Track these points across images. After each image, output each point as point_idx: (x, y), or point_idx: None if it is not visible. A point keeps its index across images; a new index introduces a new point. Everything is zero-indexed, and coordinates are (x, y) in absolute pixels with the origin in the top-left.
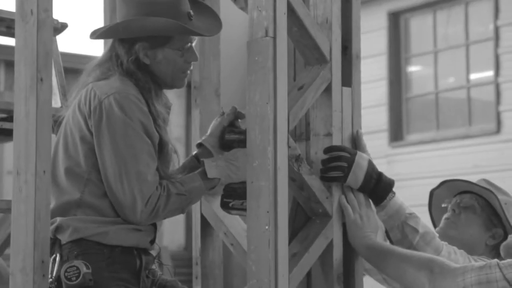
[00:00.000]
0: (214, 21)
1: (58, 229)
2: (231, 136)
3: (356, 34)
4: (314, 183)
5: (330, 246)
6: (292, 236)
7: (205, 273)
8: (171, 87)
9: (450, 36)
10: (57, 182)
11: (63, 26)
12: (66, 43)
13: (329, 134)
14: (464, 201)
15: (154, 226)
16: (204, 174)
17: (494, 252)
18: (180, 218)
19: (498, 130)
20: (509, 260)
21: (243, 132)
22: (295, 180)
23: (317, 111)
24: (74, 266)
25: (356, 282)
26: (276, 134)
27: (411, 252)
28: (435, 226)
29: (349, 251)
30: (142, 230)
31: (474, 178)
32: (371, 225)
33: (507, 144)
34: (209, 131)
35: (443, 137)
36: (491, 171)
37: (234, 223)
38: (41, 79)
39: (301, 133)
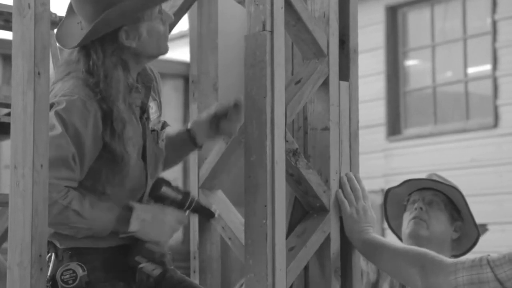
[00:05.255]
0: None
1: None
2: (168, 192)
3: (353, 28)
4: (312, 177)
5: (327, 240)
6: (290, 230)
7: (203, 267)
8: (157, 56)
9: (447, 30)
10: None
11: (61, 20)
12: None
13: (326, 128)
14: (428, 198)
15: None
16: (124, 216)
17: (455, 244)
18: None
19: (495, 124)
20: (499, 256)
21: (182, 193)
22: (293, 175)
23: (314, 105)
24: (70, 269)
25: (353, 276)
26: (274, 128)
27: (403, 247)
28: (388, 223)
29: (347, 245)
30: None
31: (471, 172)
32: (368, 219)
33: (505, 138)
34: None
35: (440, 131)
36: (488, 165)
37: (232, 217)
38: (39, 73)
39: (298, 127)
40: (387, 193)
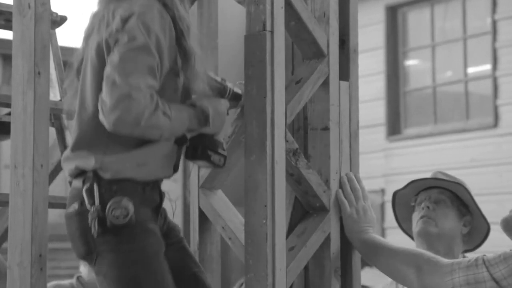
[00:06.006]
0: None
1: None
2: (214, 83)
3: (353, 28)
4: (312, 177)
5: (327, 240)
6: (290, 230)
7: (203, 267)
8: None
9: (447, 30)
10: (85, 107)
11: (63, 19)
12: (65, 36)
13: (326, 128)
14: (434, 196)
15: (179, 144)
16: (194, 114)
17: (466, 239)
18: (178, 212)
19: (495, 124)
20: (495, 256)
21: (221, 83)
22: (293, 174)
23: (314, 105)
24: (122, 205)
25: (353, 276)
26: (274, 128)
27: (399, 247)
28: (400, 225)
29: (347, 245)
30: (170, 154)
31: (471, 172)
32: (368, 219)
33: (505, 138)
34: None
35: (440, 131)
36: (488, 165)
37: (232, 217)
38: (39, 73)
39: (298, 127)
40: (394, 196)
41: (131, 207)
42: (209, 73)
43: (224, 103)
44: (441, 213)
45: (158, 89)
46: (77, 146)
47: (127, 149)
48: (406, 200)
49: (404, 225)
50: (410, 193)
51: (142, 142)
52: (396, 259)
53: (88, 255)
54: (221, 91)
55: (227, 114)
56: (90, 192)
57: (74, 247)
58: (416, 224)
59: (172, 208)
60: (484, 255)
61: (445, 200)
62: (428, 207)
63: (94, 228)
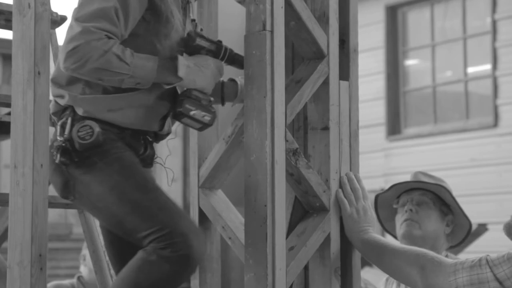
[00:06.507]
0: None
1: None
2: (202, 42)
3: (353, 28)
4: (312, 177)
5: (327, 239)
6: (290, 230)
7: (203, 266)
8: None
9: (447, 30)
10: None
11: (63, 19)
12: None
13: (326, 128)
14: (417, 198)
15: (169, 98)
16: (165, 65)
17: (450, 238)
18: None
19: (495, 123)
20: (498, 256)
21: (214, 42)
22: (293, 174)
23: (314, 105)
24: (87, 125)
25: (353, 276)
26: (274, 128)
27: (403, 247)
28: (382, 226)
29: (347, 245)
30: (152, 106)
31: (471, 172)
32: (368, 219)
33: (505, 137)
34: None
35: (440, 131)
36: (488, 164)
37: (232, 217)
38: (39, 73)
39: (298, 127)
40: (376, 199)
41: (95, 127)
42: (202, 33)
43: (211, 60)
44: (424, 215)
45: (122, 36)
46: (55, 84)
47: (101, 94)
48: (388, 202)
49: (387, 226)
50: (392, 195)
51: (119, 91)
52: (399, 259)
53: (66, 187)
54: (212, 50)
55: (219, 73)
56: (62, 124)
57: (54, 183)
58: (400, 227)
59: (168, 176)
60: (488, 255)
61: (427, 202)
62: (411, 210)
63: (57, 156)
